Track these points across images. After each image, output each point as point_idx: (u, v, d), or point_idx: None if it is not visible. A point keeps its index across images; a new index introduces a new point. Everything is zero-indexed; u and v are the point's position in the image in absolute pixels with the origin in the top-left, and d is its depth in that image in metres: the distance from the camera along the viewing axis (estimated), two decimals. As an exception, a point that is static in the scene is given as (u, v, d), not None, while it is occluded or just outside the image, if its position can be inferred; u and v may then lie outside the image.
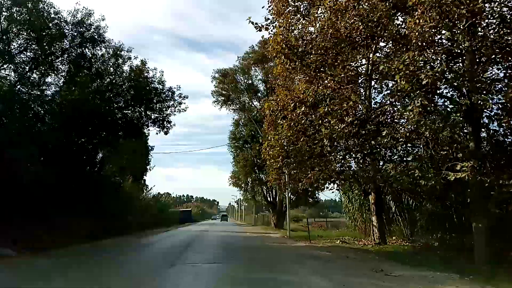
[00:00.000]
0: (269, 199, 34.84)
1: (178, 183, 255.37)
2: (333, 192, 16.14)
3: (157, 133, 18.37)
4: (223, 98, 34.08)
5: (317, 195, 32.69)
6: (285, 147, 11.02)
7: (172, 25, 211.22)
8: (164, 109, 17.68)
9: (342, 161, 10.77)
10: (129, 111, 16.93)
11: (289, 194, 22.55)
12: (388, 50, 9.25)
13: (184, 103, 18.67)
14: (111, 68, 16.50)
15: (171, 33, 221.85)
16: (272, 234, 23.85)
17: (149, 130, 17.93)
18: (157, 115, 17.54)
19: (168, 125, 17.98)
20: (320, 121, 8.74)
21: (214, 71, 34.45)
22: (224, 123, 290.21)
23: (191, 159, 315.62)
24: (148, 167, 37.81)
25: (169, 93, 17.80)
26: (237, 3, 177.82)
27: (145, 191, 34.46)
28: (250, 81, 33.26)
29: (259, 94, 32.91)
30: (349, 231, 20.77)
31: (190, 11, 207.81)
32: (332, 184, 12.53)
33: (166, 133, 17.94)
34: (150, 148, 37.39)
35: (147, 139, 37.50)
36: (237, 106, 34.64)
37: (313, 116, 9.59)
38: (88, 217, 15.76)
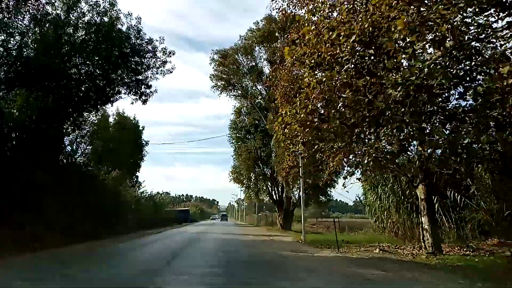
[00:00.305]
0: (274, 196, 31.03)
1: (177, 183, 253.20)
2: (362, 185, 12.30)
3: (132, 103, 14.06)
4: (223, 82, 30.21)
5: (329, 192, 29.52)
6: (319, 111, 7.17)
7: (172, 25, 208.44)
8: (141, 69, 13.01)
9: (414, 130, 6.68)
10: (96, 74, 12.44)
11: (302, 188, 18.73)
12: None
13: (170, 62, 14.16)
14: (71, 15, 11.93)
15: (171, 33, 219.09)
16: (282, 237, 19.92)
17: (120, 97, 13.53)
18: (132, 77, 12.91)
19: (147, 90, 13.36)
20: (396, 46, 4.87)
21: (213, 51, 30.64)
22: (224, 123, 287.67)
23: (191, 159, 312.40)
24: (141, 162, 34.43)
25: (149, 47, 13.12)
26: (237, 3, 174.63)
27: (137, 188, 30.93)
28: (253, 63, 29.39)
29: (264, 77, 28.98)
30: (376, 234, 17.10)
31: (190, 11, 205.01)
32: (381, 170, 8.67)
33: (144, 102, 13.51)
34: (144, 142, 33.90)
35: (142, 132, 34.15)
36: (239, 92, 30.83)
37: (371, 51, 5.73)
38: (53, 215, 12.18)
